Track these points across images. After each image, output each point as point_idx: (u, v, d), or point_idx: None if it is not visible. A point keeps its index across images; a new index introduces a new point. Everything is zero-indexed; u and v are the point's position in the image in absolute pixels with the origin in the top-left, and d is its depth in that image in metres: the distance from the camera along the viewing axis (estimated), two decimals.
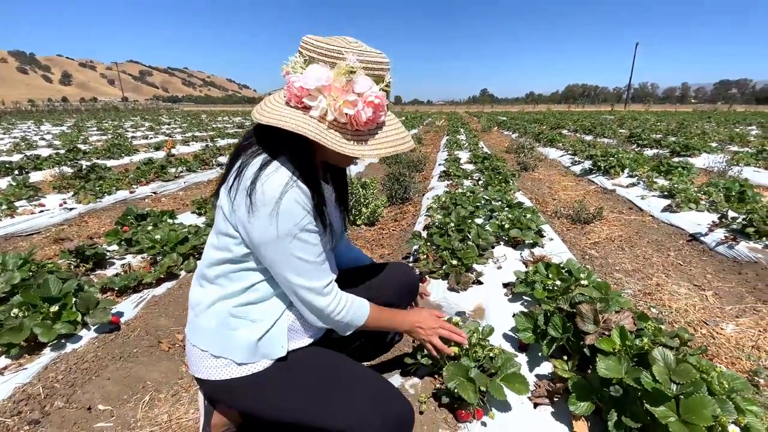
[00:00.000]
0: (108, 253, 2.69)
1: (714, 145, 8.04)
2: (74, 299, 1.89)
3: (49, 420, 1.42)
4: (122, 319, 1.99)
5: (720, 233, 2.95)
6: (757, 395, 1.43)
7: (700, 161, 6.31)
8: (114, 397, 1.54)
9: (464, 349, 1.38)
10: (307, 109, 0.87)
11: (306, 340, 1.08)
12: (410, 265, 2.23)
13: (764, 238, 2.72)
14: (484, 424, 1.29)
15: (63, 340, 1.80)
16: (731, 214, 3.15)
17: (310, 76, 0.82)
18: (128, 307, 2.09)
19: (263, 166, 0.90)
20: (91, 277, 2.43)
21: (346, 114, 0.84)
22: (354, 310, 1.05)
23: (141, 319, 2.03)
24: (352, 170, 6.42)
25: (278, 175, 0.89)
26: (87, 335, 1.87)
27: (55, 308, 1.80)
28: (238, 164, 0.94)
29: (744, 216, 2.94)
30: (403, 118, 23.62)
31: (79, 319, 1.85)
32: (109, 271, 2.51)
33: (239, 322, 0.99)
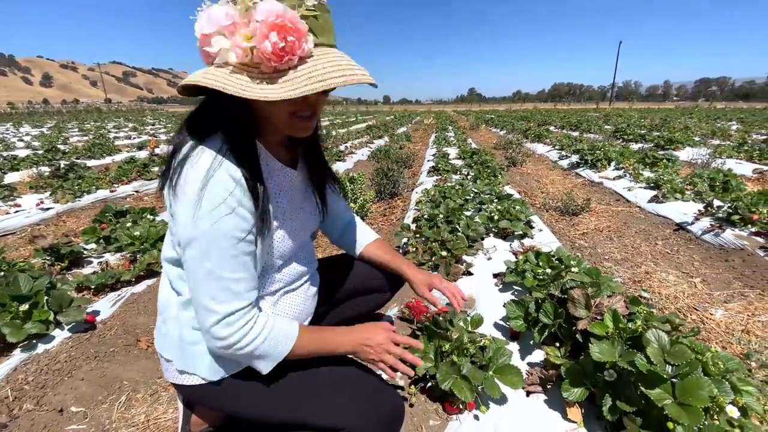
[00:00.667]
0: (85, 252, 2.58)
1: (697, 139, 8.16)
2: (46, 298, 1.80)
3: (17, 423, 1.33)
4: (98, 318, 1.90)
5: (706, 222, 2.97)
6: (750, 378, 1.42)
7: (684, 154, 6.39)
8: (88, 398, 1.46)
9: (454, 347, 1.33)
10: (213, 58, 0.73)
11: None
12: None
13: (749, 226, 2.74)
14: (476, 417, 1.25)
15: (34, 341, 1.71)
16: (716, 202, 3.18)
17: (205, 19, 0.68)
18: (105, 306, 2.00)
19: (191, 149, 0.78)
20: (67, 275, 2.33)
21: (250, 49, 0.68)
22: (270, 342, 0.84)
23: (118, 318, 1.94)
24: (340, 167, 6.35)
25: (203, 157, 0.76)
26: (60, 335, 1.78)
27: (25, 307, 1.71)
28: (178, 157, 0.80)
29: (729, 204, 2.97)
30: (392, 117, 23.59)
31: (51, 318, 1.76)
32: (86, 270, 2.41)
33: (199, 335, 0.88)
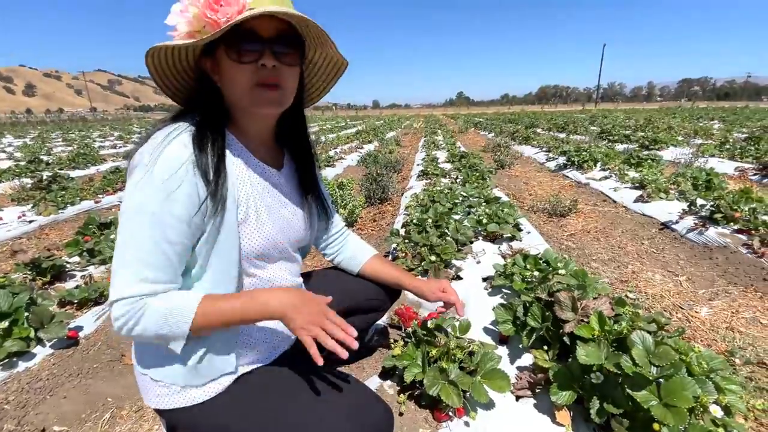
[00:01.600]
0: (68, 265, 2.53)
1: (680, 138, 8.33)
2: (26, 314, 1.76)
3: None
4: (81, 334, 1.86)
5: (690, 220, 3.02)
6: (734, 375, 1.44)
7: (668, 154, 6.51)
8: (71, 417, 1.42)
9: (442, 352, 1.33)
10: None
11: (264, 357, 0.99)
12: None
13: (732, 224, 2.79)
14: (466, 423, 1.24)
15: (14, 359, 1.67)
16: (699, 201, 3.24)
17: (172, 12, 0.77)
18: (89, 321, 1.96)
19: (155, 129, 0.84)
20: (49, 290, 2.27)
21: (194, 15, 0.76)
22: (166, 324, 0.77)
23: (102, 333, 1.90)
24: (330, 173, 6.33)
25: (162, 130, 0.81)
26: (42, 352, 1.74)
27: (4, 324, 1.67)
28: None
29: (712, 203, 3.02)
30: (382, 121, 23.65)
31: (32, 335, 1.72)
32: (69, 284, 2.36)
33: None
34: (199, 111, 0.85)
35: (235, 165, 0.89)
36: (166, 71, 0.85)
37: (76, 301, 2.08)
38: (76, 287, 2.17)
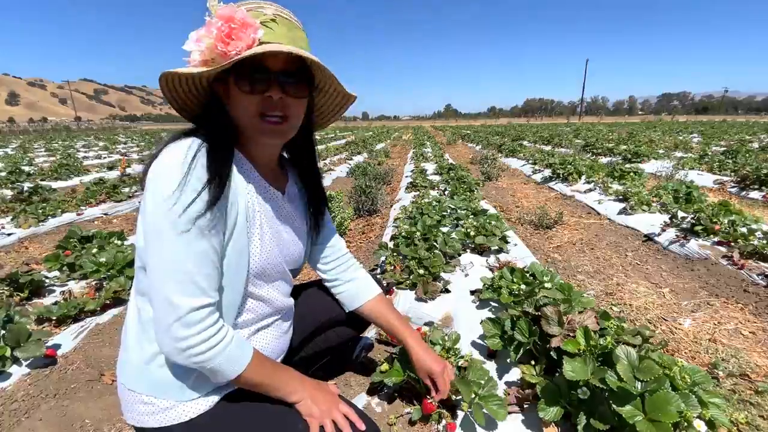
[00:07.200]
0: (47, 280, 2.45)
1: (661, 151, 8.56)
2: (2, 332, 1.70)
3: None
4: (59, 352, 1.80)
5: (672, 233, 3.09)
6: (718, 387, 1.46)
7: (650, 167, 6.68)
8: None
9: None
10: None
11: None
12: (377, 277, 2.14)
13: (712, 236, 2.86)
14: None
15: None
16: (681, 214, 3.31)
17: (189, 40, 0.78)
18: (67, 338, 1.90)
19: (170, 141, 0.82)
20: (27, 306, 2.20)
21: (207, 45, 0.77)
22: (226, 356, 0.80)
23: (81, 351, 1.84)
24: None
25: (179, 143, 0.79)
26: (18, 372, 1.68)
27: None
28: None
29: (692, 215, 3.10)
30: (371, 132, 23.79)
31: (8, 354, 1.66)
32: (48, 300, 2.29)
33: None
34: (209, 129, 0.85)
35: (244, 184, 0.89)
36: (178, 91, 0.85)
37: (54, 318, 2.01)
38: (55, 303, 2.11)
